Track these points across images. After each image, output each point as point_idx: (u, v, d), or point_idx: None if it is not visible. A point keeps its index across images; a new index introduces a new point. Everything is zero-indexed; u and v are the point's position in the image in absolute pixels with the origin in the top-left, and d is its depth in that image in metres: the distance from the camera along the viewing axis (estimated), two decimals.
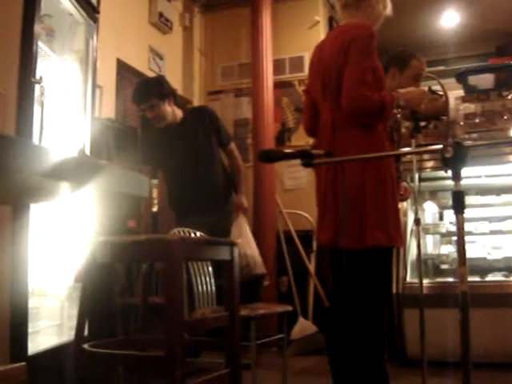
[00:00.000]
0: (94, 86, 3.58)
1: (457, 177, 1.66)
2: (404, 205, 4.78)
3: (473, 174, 4.57)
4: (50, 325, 3.14)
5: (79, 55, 3.53)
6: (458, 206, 1.66)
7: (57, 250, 3.18)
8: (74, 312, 2.69)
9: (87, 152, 3.34)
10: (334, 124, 2.72)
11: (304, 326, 5.06)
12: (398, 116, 3.17)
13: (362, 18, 2.81)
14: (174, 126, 4.30)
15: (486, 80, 5.23)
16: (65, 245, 3.21)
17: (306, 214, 5.48)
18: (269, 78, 5.89)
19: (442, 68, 7.37)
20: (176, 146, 4.29)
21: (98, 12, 3.60)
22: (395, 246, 2.77)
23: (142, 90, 4.23)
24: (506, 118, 4.89)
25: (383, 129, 2.76)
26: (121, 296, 3.86)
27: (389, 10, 2.93)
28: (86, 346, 2.39)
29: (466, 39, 7.67)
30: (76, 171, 1.19)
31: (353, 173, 2.60)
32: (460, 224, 1.67)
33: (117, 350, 2.49)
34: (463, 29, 7.43)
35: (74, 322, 2.51)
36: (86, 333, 2.58)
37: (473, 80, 5.30)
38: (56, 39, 3.33)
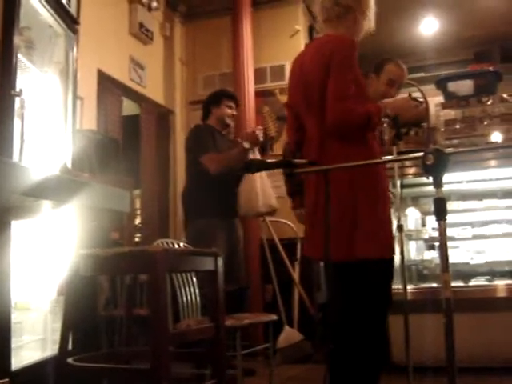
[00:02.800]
0: (75, 97, 3.56)
1: (438, 183, 1.67)
2: None
3: (454, 179, 4.60)
4: (34, 339, 3.10)
5: (59, 67, 3.51)
6: (440, 212, 1.67)
7: (39, 263, 3.15)
8: (58, 326, 2.66)
9: (69, 165, 3.32)
10: (320, 138, 2.66)
11: (290, 335, 5.04)
12: (385, 125, 3.15)
13: (343, 31, 2.77)
14: (223, 134, 4.73)
15: (465, 86, 5.28)
16: (47, 258, 3.18)
17: (289, 222, 5.48)
18: (250, 86, 5.91)
19: (421, 75, 7.43)
20: None
21: (78, 23, 3.59)
22: (385, 258, 2.68)
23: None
24: (485, 123, 4.93)
25: (373, 137, 2.72)
26: (105, 309, 3.84)
27: (372, 24, 2.88)
28: (70, 360, 2.37)
29: (446, 46, 7.74)
30: (57, 190, 1.19)
31: (342, 183, 2.55)
32: (442, 231, 1.68)
33: (102, 364, 2.47)
34: (442, 35, 7.50)
35: (57, 336, 2.48)
36: (70, 347, 2.56)
37: (452, 86, 5.35)
38: (36, 51, 3.31)
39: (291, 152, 2.99)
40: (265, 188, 4.51)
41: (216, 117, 4.65)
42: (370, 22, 2.85)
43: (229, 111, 4.67)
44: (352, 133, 2.60)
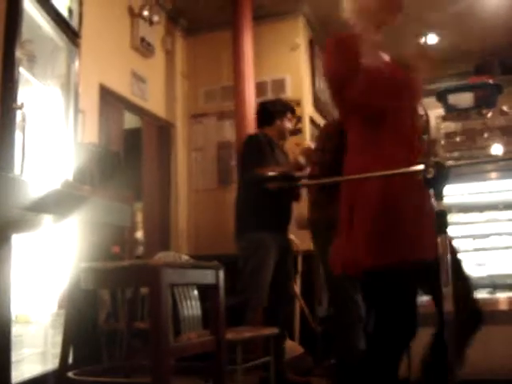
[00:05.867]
0: (76, 110, 3.57)
1: (439, 196, 1.67)
2: None
3: (456, 191, 4.60)
4: (34, 353, 3.09)
5: (61, 80, 3.52)
6: (441, 225, 1.66)
7: (40, 276, 3.15)
8: (59, 339, 2.66)
9: (70, 178, 3.32)
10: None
11: (291, 348, 5.03)
12: None
13: None
14: (279, 146, 4.61)
15: (465, 99, 5.29)
16: (48, 271, 3.18)
17: (291, 236, 5.47)
18: (251, 100, 5.92)
19: None
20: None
21: (80, 37, 3.60)
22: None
23: None
24: (486, 136, 4.94)
25: (395, 127, 2.33)
26: (106, 322, 3.82)
27: None
28: (70, 373, 2.36)
29: (446, 58, 7.75)
30: (58, 204, 1.19)
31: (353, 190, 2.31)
32: (443, 244, 1.68)
33: (102, 378, 2.46)
34: (442, 47, 7.52)
35: (58, 350, 2.48)
36: (70, 360, 2.55)
37: (453, 99, 5.36)
38: (37, 64, 3.32)
39: None
40: None
41: (279, 129, 4.58)
42: None
43: (290, 125, 4.66)
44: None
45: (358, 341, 3.29)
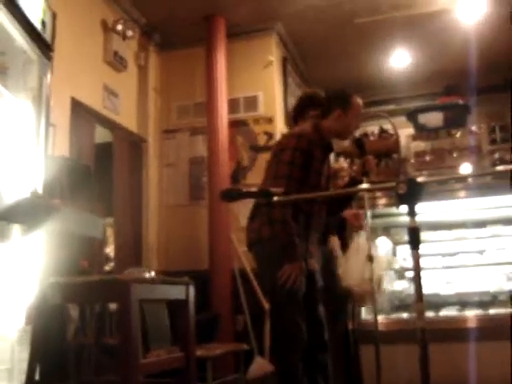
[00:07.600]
0: (48, 124, 3.54)
1: (412, 213, 1.68)
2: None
3: (425, 209, 4.65)
4: (0, 369, 3.03)
5: (32, 93, 3.49)
6: (414, 241, 1.68)
7: (7, 290, 3.10)
8: (25, 355, 2.61)
9: (40, 191, 3.28)
10: None
11: (261, 365, 5.00)
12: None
13: None
14: None
15: (435, 118, 5.38)
16: (16, 285, 3.12)
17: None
18: (223, 116, 5.94)
19: (392, 107, 7.53)
20: None
21: (52, 50, 3.58)
22: None
23: None
24: (455, 155, 5.02)
25: None
26: (74, 337, 3.77)
27: None
28: None
29: (416, 78, 7.86)
30: (28, 214, 1.17)
31: None
32: (416, 260, 1.69)
33: None
34: (413, 68, 7.62)
35: (24, 366, 2.44)
36: (37, 377, 2.50)
37: (422, 118, 5.45)
38: (9, 77, 3.29)
39: None
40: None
41: None
42: None
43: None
44: None
45: (299, 364, 3.25)
